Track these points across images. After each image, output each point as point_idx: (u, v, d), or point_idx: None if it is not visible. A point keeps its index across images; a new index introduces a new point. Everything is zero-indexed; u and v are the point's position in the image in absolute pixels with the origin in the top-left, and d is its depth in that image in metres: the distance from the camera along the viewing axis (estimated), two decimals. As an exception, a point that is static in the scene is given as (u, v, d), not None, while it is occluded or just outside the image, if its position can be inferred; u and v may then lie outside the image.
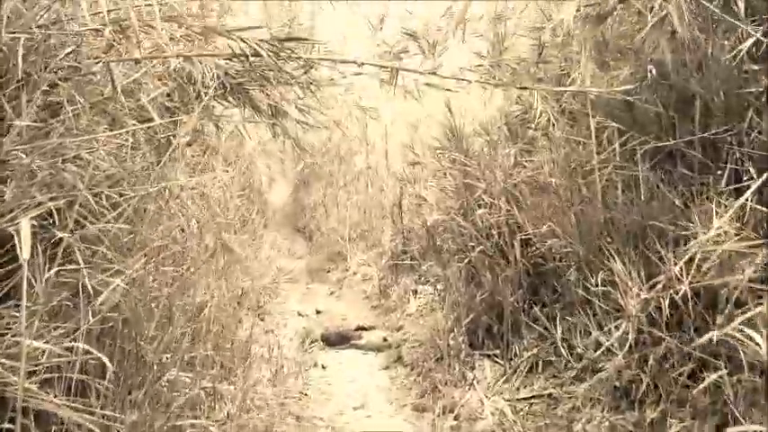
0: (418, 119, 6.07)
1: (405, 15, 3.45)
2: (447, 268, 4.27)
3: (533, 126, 3.75)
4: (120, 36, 2.38)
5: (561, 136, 3.46)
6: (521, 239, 3.87)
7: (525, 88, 3.01)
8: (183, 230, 3.78)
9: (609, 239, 3.03)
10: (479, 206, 4.18)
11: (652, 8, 2.61)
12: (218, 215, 4.15)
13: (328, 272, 7.88)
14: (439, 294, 4.67)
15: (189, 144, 4.46)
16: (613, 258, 2.73)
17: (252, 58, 3.16)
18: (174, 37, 2.98)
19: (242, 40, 2.74)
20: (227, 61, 3.69)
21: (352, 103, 3.90)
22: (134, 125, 2.65)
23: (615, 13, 3.18)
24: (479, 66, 3.02)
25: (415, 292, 5.47)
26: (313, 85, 3.81)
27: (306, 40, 2.92)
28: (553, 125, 3.27)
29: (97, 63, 2.28)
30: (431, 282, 5.21)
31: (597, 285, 2.89)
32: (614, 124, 3.04)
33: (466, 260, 4.03)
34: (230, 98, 3.73)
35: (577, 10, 2.95)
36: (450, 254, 4.21)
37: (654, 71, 2.87)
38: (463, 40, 3.00)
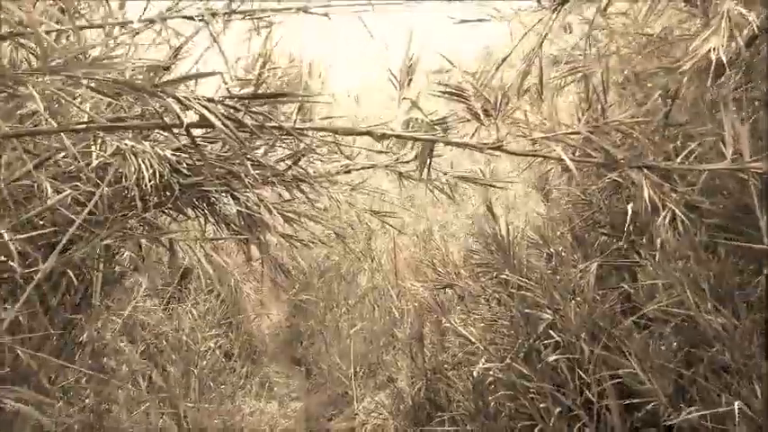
0: (441, 220, 4.92)
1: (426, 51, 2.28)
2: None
3: (628, 229, 2.56)
4: None
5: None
6: (619, 394, 2.58)
7: (646, 168, 1.84)
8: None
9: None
10: (545, 346, 2.92)
11: None
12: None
13: (330, 420, 6.41)
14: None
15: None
16: None
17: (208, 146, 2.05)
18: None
19: (181, 100, 1.58)
20: (176, 152, 2.54)
21: (362, 204, 2.80)
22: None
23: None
24: (570, 134, 1.87)
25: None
26: (305, 183, 2.64)
27: (292, 98, 1.76)
28: (680, 229, 2.06)
29: None
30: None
31: None
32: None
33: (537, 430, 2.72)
34: (181, 206, 2.54)
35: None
36: (508, 418, 2.91)
37: None
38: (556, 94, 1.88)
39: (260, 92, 1.67)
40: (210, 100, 1.61)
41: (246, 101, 1.62)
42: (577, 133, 1.81)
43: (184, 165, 2.38)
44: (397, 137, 1.80)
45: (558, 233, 3.09)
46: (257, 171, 2.59)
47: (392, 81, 1.94)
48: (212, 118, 1.53)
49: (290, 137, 2.45)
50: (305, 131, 1.80)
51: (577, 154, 1.89)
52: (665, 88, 1.87)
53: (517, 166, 5.43)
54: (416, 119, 1.87)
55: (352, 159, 2.77)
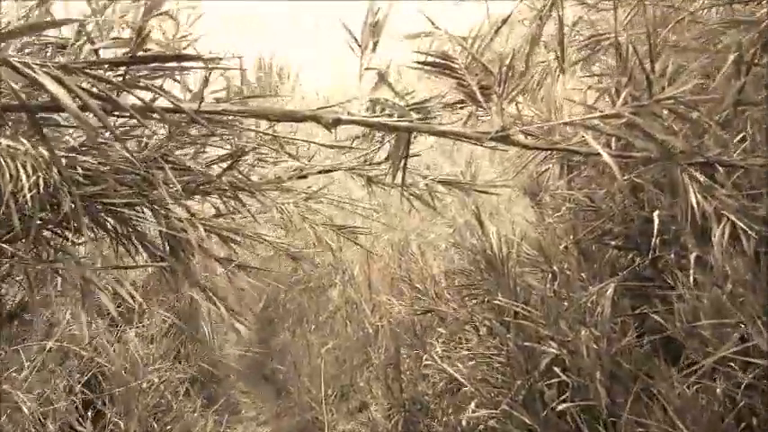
0: (417, 228, 4.37)
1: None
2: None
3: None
4: None
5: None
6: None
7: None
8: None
9: None
10: (549, 387, 2.36)
11: None
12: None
13: (299, 449, 5.80)
14: None
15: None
16: None
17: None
18: None
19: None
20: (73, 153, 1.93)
21: (325, 215, 2.20)
22: None
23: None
24: (606, 117, 1.31)
25: None
26: (246, 192, 2.04)
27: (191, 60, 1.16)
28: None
29: None
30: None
31: None
32: None
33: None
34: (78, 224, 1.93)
35: None
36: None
37: None
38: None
39: (141, 54, 1.08)
40: (65, 67, 1.02)
41: (123, 66, 1.03)
42: (617, 116, 1.25)
43: (80, 170, 1.77)
44: (358, 123, 1.22)
45: (562, 247, 2.55)
46: (185, 178, 2.00)
47: (352, 49, 1.36)
48: (60, 93, 0.94)
49: (225, 132, 1.87)
50: (221, 115, 1.21)
51: (615, 147, 1.33)
52: (738, 50, 1.34)
53: (501, 169, 4.89)
54: (386, 100, 1.30)
55: (307, 161, 2.19)
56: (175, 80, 1.18)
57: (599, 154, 1.22)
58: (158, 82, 1.13)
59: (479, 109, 1.29)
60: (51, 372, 3.74)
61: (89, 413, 3.72)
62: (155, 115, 1.52)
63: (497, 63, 1.28)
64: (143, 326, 4.69)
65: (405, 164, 1.51)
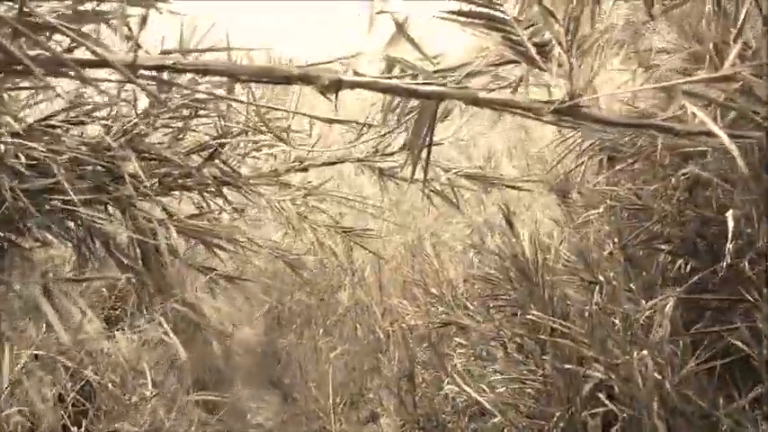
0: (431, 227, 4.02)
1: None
2: None
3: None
4: None
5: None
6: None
7: None
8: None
9: None
10: (593, 417, 2.00)
11: None
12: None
13: (307, 461, 5.46)
14: None
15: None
16: None
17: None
18: None
19: None
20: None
21: (330, 214, 1.87)
22: None
23: None
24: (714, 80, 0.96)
25: None
26: (232, 188, 1.68)
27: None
28: None
29: None
30: None
31: None
32: None
33: None
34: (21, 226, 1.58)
35: None
36: None
37: None
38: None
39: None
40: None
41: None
42: (729, 79, 0.89)
43: (23, 161, 1.43)
44: (367, 87, 0.86)
45: (606, 252, 2.18)
46: (161, 170, 1.65)
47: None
48: None
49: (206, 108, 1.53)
50: (170, 71, 0.86)
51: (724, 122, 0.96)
52: None
53: (524, 165, 4.51)
54: (402, 60, 0.95)
55: (308, 151, 1.83)
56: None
57: (707, 132, 0.85)
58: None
59: (535, 71, 0.93)
60: (40, 380, 3.42)
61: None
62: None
63: (561, 7, 0.92)
64: (138, 331, 4.37)
65: (429, 149, 1.15)
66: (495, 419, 2.05)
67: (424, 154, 1.17)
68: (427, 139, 1.13)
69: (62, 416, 3.39)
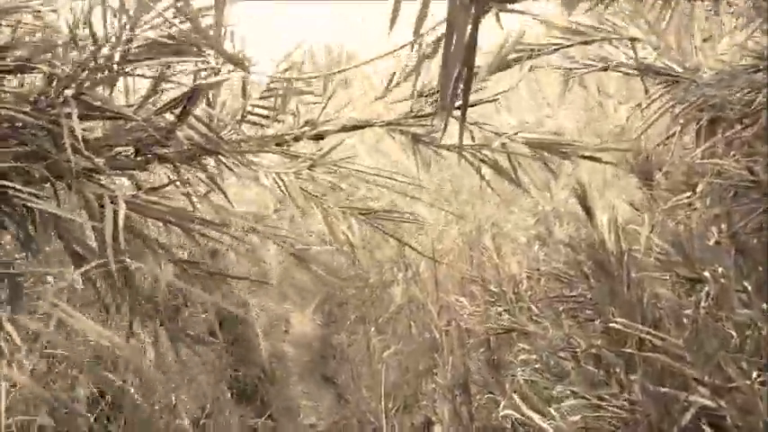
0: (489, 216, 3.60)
1: None
2: None
3: None
4: None
5: None
6: None
7: None
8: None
9: None
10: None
11: None
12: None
13: (357, 469, 5.10)
14: None
15: None
16: None
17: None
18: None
19: None
20: None
21: (348, 191, 1.49)
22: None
23: None
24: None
25: None
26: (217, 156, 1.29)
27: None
28: None
29: None
30: None
31: None
32: None
33: None
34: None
35: None
36: None
37: None
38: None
39: None
40: None
41: None
42: None
43: None
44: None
45: (712, 242, 1.70)
46: (131, 136, 1.30)
47: None
48: None
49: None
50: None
51: None
52: None
53: (598, 142, 3.97)
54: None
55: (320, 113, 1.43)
56: None
57: None
58: None
59: None
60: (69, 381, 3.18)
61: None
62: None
63: None
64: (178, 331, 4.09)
65: (467, 85, 0.74)
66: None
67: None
68: (462, 71, 0.73)
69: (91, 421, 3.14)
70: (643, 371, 1.57)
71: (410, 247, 3.22)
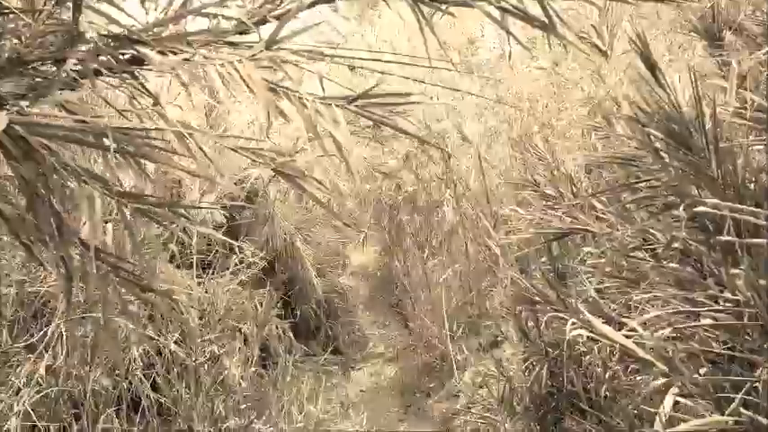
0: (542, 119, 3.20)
1: None
2: None
3: None
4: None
5: None
6: None
7: None
8: None
9: None
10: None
11: None
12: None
13: (428, 395, 4.93)
14: None
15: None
16: None
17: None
18: None
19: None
20: None
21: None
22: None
23: None
24: None
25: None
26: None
27: None
28: None
29: None
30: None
31: None
32: None
33: None
34: None
35: None
36: None
37: None
38: None
39: None
40: None
41: None
42: None
43: None
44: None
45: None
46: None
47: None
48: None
49: None
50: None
51: None
52: None
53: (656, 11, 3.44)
54: None
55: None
56: None
57: None
58: None
59: None
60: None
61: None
62: None
63: None
64: (230, 272, 3.90)
65: None
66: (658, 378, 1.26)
67: None
68: None
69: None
70: (748, 262, 1.21)
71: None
